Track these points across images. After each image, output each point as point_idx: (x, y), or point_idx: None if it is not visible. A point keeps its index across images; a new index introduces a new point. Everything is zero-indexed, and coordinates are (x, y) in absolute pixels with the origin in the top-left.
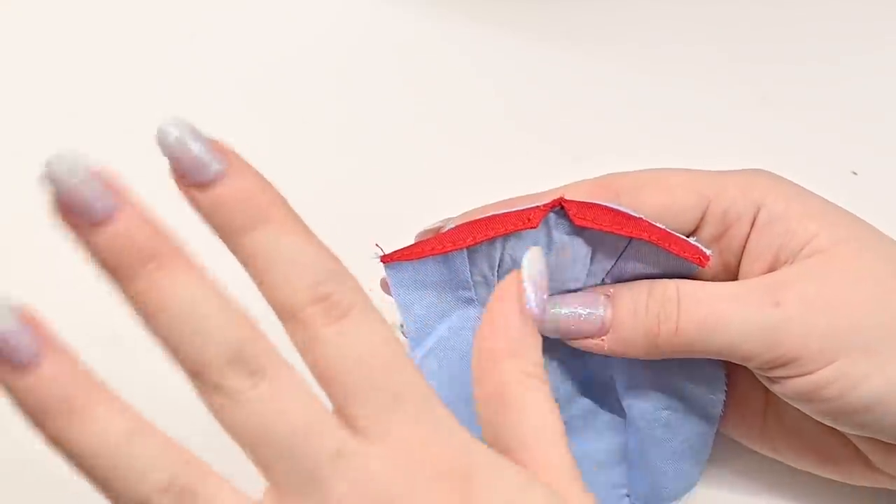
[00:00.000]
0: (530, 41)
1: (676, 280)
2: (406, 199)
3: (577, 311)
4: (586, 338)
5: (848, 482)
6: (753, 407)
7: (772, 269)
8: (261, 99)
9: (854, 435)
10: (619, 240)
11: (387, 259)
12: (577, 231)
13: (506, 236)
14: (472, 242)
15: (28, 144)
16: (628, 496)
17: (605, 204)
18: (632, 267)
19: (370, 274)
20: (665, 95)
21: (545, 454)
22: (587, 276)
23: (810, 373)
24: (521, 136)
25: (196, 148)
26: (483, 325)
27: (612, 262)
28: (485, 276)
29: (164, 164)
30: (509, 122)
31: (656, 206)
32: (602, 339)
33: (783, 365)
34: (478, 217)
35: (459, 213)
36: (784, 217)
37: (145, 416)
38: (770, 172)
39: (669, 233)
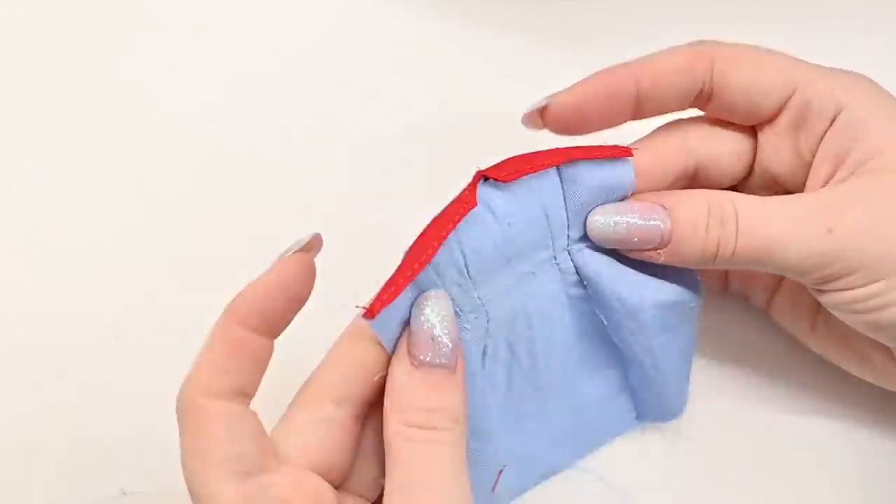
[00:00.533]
0: (530, 41)
1: (733, 196)
2: (406, 198)
3: (637, 222)
4: (644, 250)
5: (883, 386)
6: (805, 306)
7: (834, 172)
8: (259, 98)
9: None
10: (554, 185)
11: (369, 315)
12: (513, 194)
13: (457, 233)
14: (432, 252)
15: (28, 143)
16: (637, 418)
17: (517, 155)
18: (583, 199)
19: (361, 278)
20: None
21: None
22: (553, 238)
23: (852, 289)
24: (520, 135)
25: None
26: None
27: (565, 211)
28: (459, 284)
29: (162, 160)
30: (509, 121)
31: (744, 80)
32: (658, 252)
33: (830, 281)
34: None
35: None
36: (859, 125)
37: (142, 412)
38: (869, 80)
39: (586, 146)
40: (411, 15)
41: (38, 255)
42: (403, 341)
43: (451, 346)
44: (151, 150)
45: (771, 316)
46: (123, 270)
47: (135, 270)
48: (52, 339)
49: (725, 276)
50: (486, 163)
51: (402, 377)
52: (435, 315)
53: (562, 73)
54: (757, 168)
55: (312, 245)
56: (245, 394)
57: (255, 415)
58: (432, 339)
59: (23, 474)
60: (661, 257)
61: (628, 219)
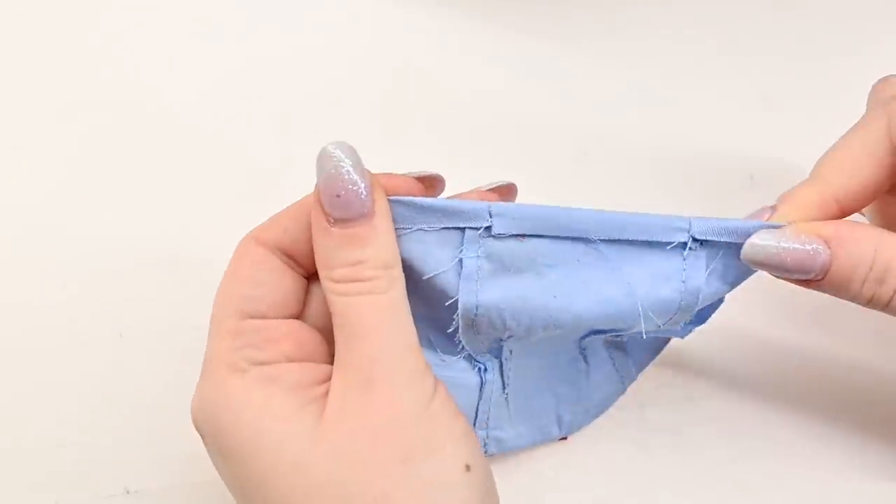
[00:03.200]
0: (529, 40)
1: None
2: None
3: (799, 248)
4: (797, 280)
5: None
6: None
7: None
8: (262, 95)
9: None
10: None
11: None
12: None
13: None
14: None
15: (28, 142)
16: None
17: None
18: None
19: None
20: (665, 95)
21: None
22: None
23: None
24: (519, 135)
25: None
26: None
27: None
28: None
29: (163, 158)
30: (506, 120)
31: None
32: (810, 283)
33: None
34: None
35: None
36: None
37: (145, 410)
38: None
39: None
40: (410, 13)
41: (39, 252)
42: (317, 197)
43: (362, 193)
44: (152, 149)
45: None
46: (126, 267)
47: (137, 267)
48: (54, 337)
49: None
50: (487, 159)
51: (320, 236)
52: (338, 165)
53: (561, 73)
54: None
55: (434, 181)
56: (290, 255)
57: (289, 273)
58: (339, 194)
59: (26, 473)
60: (814, 287)
61: (787, 245)
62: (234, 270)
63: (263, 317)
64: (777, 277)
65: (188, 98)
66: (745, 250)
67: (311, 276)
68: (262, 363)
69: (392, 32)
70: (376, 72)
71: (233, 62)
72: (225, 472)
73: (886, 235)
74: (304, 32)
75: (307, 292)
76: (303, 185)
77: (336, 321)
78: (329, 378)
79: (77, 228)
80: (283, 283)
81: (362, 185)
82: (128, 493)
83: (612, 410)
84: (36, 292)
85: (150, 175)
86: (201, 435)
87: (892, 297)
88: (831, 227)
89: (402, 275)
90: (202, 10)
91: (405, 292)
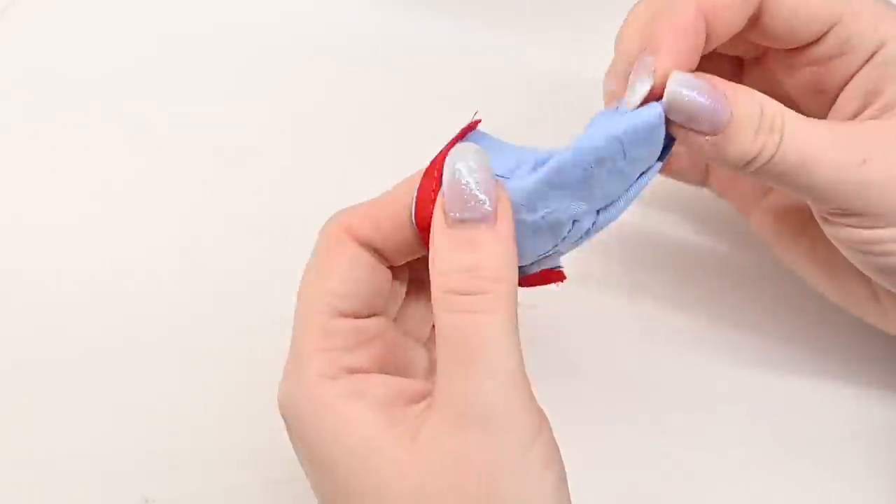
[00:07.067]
0: (525, 41)
1: (779, 104)
2: None
3: (704, 103)
4: (700, 133)
5: (856, 315)
6: (791, 224)
7: (863, 110)
8: (252, 99)
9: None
10: None
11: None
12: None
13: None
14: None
15: (28, 144)
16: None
17: None
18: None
19: None
20: None
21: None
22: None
23: (869, 228)
24: (511, 136)
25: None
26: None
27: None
28: None
29: (166, 164)
30: (503, 121)
31: (788, 6)
32: (706, 139)
33: (848, 216)
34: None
35: None
36: None
37: (167, 423)
38: None
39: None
40: (409, 13)
41: (57, 265)
42: (441, 199)
43: (485, 198)
44: (154, 154)
45: (750, 223)
46: (145, 277)
47: (156, 277)
48: (74, 346)
49: (707, 169)
50: None
51: (438, 237)
52: (465, 167)
53: (555, 73)
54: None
55: None
56: (382, 254)
57: (380, 270)
58: (463, 193)
59: (43, 481)
60: (706, 145)
61: (699, 98)
62: (326, 264)
63: (355, 316)
64: (676, 137)
65: (189, 102)
66: (666, 92)
67: (395, 273)
68: (352, 370)
69: (382, 34)
70: (364, 75)
71: (226, 67)
72: (304, 462)
73: (764, 95)
74: (289, 35)
75: (394, 293)
76: (294, 186)
77: (442, 344)
78: (418, 398)
79: (91, 238)
80: (375, 281)
81: (488, 187)
82: (146, 501)
83: (630, 414)
84: (54, 303)
85: (154, 182)
86: (285, 422)
87: (778, 146)
88: (726, 84)
89: (516, 291)
90: (201, 18)
91: (516, 312)
